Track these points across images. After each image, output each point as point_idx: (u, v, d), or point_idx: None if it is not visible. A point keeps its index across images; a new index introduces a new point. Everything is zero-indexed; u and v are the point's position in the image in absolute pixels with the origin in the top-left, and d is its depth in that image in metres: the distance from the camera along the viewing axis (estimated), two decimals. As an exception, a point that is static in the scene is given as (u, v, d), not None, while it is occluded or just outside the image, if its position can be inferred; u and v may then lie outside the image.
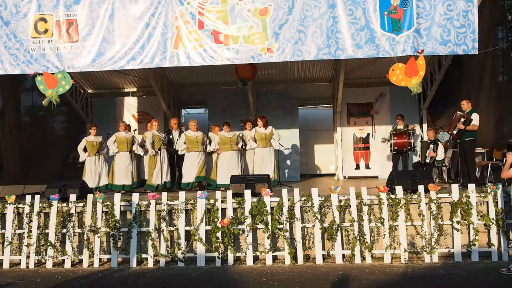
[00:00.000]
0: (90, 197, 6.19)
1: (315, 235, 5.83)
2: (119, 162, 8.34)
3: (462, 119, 7.29)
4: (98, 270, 5.74)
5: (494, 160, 7.91)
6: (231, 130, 8.72)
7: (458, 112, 7.48)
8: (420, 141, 9.07)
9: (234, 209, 5.99)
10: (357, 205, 5.85)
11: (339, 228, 5.81)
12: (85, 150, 8.45)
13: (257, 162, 8.64)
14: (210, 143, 8.53)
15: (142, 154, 8.44)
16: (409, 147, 8.47)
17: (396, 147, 8.50)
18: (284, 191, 5.99)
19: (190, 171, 8.29)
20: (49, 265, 5.94)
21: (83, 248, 5.96)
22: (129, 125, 9.22)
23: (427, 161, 8.37)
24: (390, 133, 8.68)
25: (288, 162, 11.51)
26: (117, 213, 6.03)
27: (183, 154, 8.46)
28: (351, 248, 5.73)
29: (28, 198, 6.23)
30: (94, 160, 8.38)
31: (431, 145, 8.38)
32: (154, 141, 8.40)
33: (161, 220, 5.98)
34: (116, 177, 8.32)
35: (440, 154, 8.32)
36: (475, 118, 7.24)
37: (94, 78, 11.33)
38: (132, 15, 6.59)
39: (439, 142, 8.38)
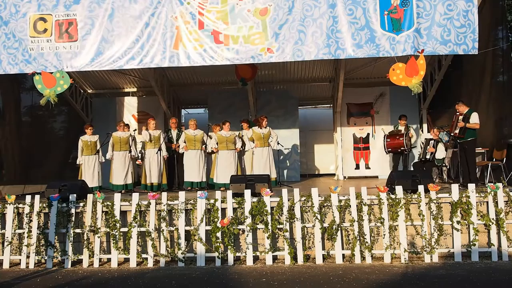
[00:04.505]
0: (90, 197, 6.19)
1: (315, 235, 5.82)
2: (116, 162, 8.37)
3: (460, 117, 7.32)
4: (98, 270, 5.73)
5: (494, 160, 7.91)
6: (232, 130, 8.73)
7: (457, 113, 7.50)
8: (422, 142, 9.05)
9: (234, 209, 5.98)
10: (357, 205, 5.85)
11: (339, 228, 5.81)
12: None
13: (256, 162, 8.64)
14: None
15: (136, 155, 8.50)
16: (402, 148, 8.26)
17: (389, 149, 8.43)
18: (284, 191, 5.98)
19: (192, 171, 8.32)
20: (49, 265, 5.93)
21: (83, 248, 5.96)
22: (127, 124, 9.21)
23: (427, 157, 8.35)
24: (384, 135, 8.62)
25: (288, 162, 11.52)
26: (117, 213, 6.03)
27: (182, 155, 8.49)
28: (351, 248, 5.73)
29: (28, 198, 6.22)
30: (89, 160, 8.35)
31: (431, 141, 8.37)
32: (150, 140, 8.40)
33: (161, 220, 5.97)
34: (113, 177, 8.33)
35: (440, 153, 8.31)
36: (475, 116, 7.25)
37: (94, 78, 11.33)
38: (132, 15, 6.60)
39: (440, 141, 8.37)
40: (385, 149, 8.48)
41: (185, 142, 8.43)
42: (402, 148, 8.27)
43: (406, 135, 8.30)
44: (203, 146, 8.42)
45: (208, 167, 8.69)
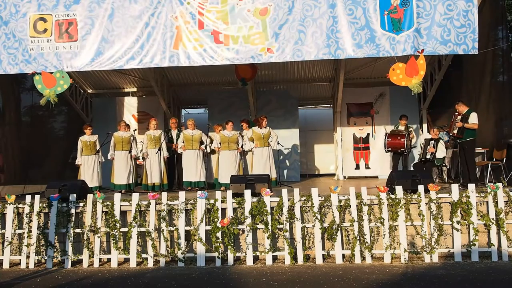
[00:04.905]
0: (90, 197, 6.19)
1: (315, 235, 5.82)
2: (118, 162, 8.37)
3: (459, 117, 7.32)
4: (98, 270, 5.73)
5: (494, 160, 7.91)
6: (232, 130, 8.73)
7: (456, 113, 7.51)
8: (422, 143, 9.04)
9: (234, 209, 5.98)
10: (357, 205, 5.85)
11: (339, 228, 5.81)
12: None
13: (255, 162, 8.65)
14: (211, 143, 8.55)
15: (139, 156, 8.51)
16: (402, 149, 8.25)
17: (389, 148, 8.43)
18: (284, 191, 5.98)
19: (190, 170, 8.33)
20: (49, 265, 5.93)
21: (83, 248, 5.96)
22: (128, 124, 9.22)
23: (428, 157, 8.34)
24: (386, 134, 8.63)
25: (288, 162, 11.52)
26: (117, 213, 6.03)
27: (182, 155, 8.50)
28: (351, 248, 5.73)
29: (28, 198, 6.22)
30: (89, 160, 8.33)
31: (432, 141, 8.36)
32: (149, 140, 8.43)
33: (161, 220, 5.97)
34: (115, 177, 8.34)
35: (440, 153, 8.30)
36: (474, 117, 7.25)
37: (94, 78, 11.33)
38: (132, 15, 6.60)
39: (441, 140, 8.36)
40: (385, 147, 8.47)
41: (183, 142, 8.45)
42: (402, 149, 8.27)
43: (407, 136, 8.28)
44: (202, 146, 8.42)
45: (209, 167, 8.68)
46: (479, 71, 8.40)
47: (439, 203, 5.82)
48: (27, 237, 6.06)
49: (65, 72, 6.73)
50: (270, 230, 5.80)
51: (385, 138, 8.45)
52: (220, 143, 8.52)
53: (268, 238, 5.78)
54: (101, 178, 8.45)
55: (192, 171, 8.35)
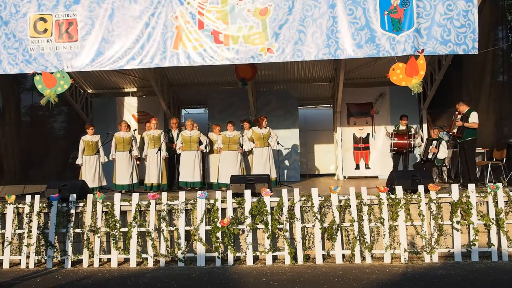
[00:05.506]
0: (90, 197, 6.19)
1: (315, 235, 5.82)
2: (119, 162, 8.36)
3: (459, 116, 7.33)
4: (98, 270, 5.73)
5: (494, 160, 7.91)
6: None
7: (456, 112, 7.51)
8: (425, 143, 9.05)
9: (234, 209, 5.98)
10: (357, 205, 5.85)
11: (339, 228, 5.81)
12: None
13: (255, 162, 8.64)
14: (209, 143, 8.54)
15: (138, 155, 8.52)
16: (409, 149, 8.36)
17: (396, 148, 8.46)
18: (284, 191, 5.98)
19: (187, 171, 8.33)
20: (49, 265, 5.93)
21: (83, 248, 5.96)
22: (129, 125, 9.20)
23: (429, 156, 8.35)
24: (391, 134, 8.63)
25: (288, 162, 11.52)
26: (117, 213, 6.03)
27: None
28: (351, 248, 5.73)
29: (28, 198, 6.22)
30: (90, 160, 8.32)
31: (434, 142, 8.37)
32: (149, 140, 8.45)
33: (161, 220, 5.97)
34: (117, 177, 8.34)
35: (442, 153, 8.30)
36: (474, 116, 7.25)
37: (94, 78, 11.34)
38: (132, 15, 6.60)
39: (443, 141, 8.37)
40: (391, 147, 8.47)
41: (182, 143, 8.44)
42: (408, 149, 8.31)
43: (413, 136, 8.29)
44: (201, 146, 8.41)
45: (208, 167, 8.67)
46: (479, 71, 8.40)
47: (439, 203, 5.82)
48: (27, 237, 6.06)
49: (66, 72, 6.74)
50: (270, 230, 5.80)
51: (391, 138, 8.45)
52: (222, 144, 8.51)
53: (268, 238, 5.79)
54: (103, 178, 8.44)
55: (189, 171, 8.31)
